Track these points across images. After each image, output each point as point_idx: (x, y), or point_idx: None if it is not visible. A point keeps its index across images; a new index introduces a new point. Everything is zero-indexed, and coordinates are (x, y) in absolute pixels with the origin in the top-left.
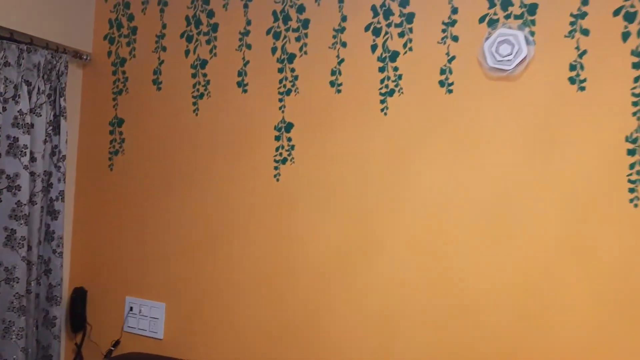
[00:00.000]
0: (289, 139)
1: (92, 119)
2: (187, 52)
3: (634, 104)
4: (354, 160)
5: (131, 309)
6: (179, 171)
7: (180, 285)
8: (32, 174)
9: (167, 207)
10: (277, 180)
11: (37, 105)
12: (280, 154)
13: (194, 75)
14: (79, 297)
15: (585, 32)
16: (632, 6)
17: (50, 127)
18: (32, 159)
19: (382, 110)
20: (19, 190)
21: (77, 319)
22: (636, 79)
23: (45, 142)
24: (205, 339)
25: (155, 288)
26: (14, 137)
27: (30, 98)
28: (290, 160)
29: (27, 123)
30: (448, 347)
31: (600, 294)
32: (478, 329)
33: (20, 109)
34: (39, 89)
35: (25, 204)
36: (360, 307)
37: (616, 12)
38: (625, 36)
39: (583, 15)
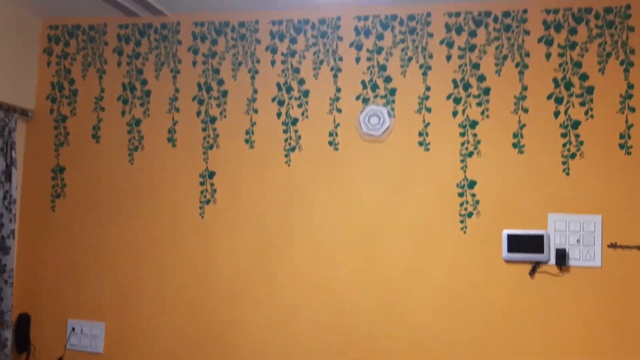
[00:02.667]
0: (212, 184)
1: (35, 166)
2: (123, 113)
3: (461, 161)
4: (263, 200)
5: (73, 329)
6: (115, 210)
7: (118, 306)
8: None
9: (104, 241)
10: (202, 217)
11: None
12: (205, 196)
13: (129, 132)
14: (23, 322)
15: (429, 110)
16: (458, 93)
17: (3, 176)
18: None
19: (286, 162)
20: None
21: (22, 341)
22: (462, 144)
23: None
24: (140, 350)
25: (95, 310)
26: None
27: None
28: (213, 201)
29: None
30: (332, 342)
31: (437, 295)
32: (354, 325)
33: None
34: None
35: None
36: (264, 316)
37: (448, 97)
38: (455, 114)
39: (427, 98)
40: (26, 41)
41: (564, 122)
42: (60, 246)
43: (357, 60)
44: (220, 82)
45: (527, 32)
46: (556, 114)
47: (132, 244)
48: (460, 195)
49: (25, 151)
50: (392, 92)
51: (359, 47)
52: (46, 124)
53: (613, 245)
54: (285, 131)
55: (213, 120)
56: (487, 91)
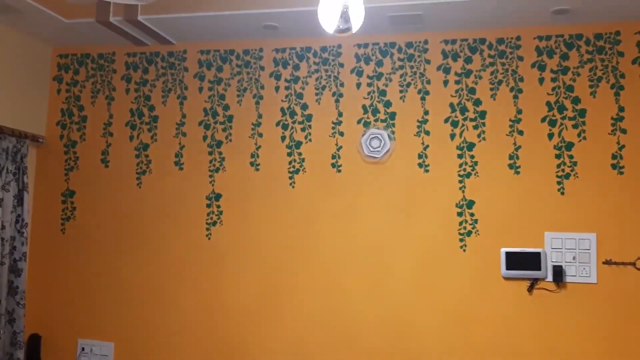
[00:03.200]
0: (218, 206)
1: (46, 190)
2: (131, 137)
3: (460, 181)
4: (269, 221)
5: (82, 349)
6: (124, 232)
7: (127, 326)
8: (2, 239)
9: (113, 262)
10: (209, 239)
11: (5, 183)
12: (211, 218)
13: (137, 156)
14: (34, 342)
15: (427, 133)
16: (455, 117)
17: (15, 200)
18: (2, 227)
19: (290, 184)
20: None
21: None
22: (460, 165)
23: (11, 212)
24: None
25: (104, 330)
26: None
27: (0, 177)
28: (220, 223)
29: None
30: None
31: (442, 312)
32: (362, 346)
33: None
34: (7, 169)
35: None
36: (278, 336)
37: (446, 120)
38: (452, 137)
39: (425, 121)
40: (37, 69)
41: (557, 144)
42: (70, 268)
43: (358, 85)
44: (226, 108)
45: (520, 58)
46: (550, 135)
47: (141, 265)
48: (460, 214)
49: (36, 176)
50: (392, 116)
51: (359, 73)
52: (56, 149)
53: (608, 262)
54: (289, 154)
55: (219, 144)
56: (483, 115)
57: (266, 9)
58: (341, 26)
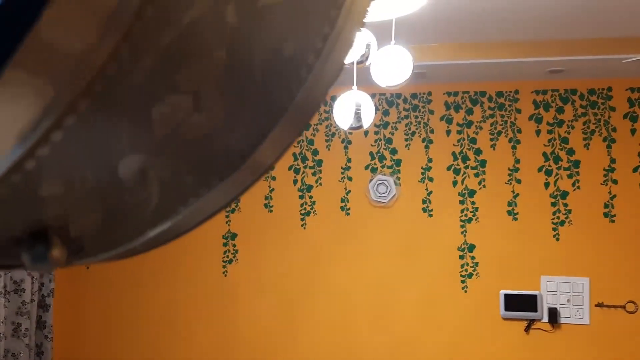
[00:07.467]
0: (234, 245)
1: None
2: None
3: (462, 226)
4: (281, 260)
5: None
6: (144, 268)
7: (148, 358)
8: (32, 277)
9: (135, 298)
10: (225, 275)
11: None
12: (227, 256)
13: None
14: None
15: (431, 179)
16: (457, 165)
17: None
18: None
19: (302, 225)
20: (24, 292)
21: None
22: (462, 210)
23: None
24: None
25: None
26: None
27: None
28: (235, 261)
29: None
30: None
31: (442, 348)
32: None
33: None
34: None
35: (28, 302)
36: None
37: (448, 168)
38: (455, 183)
39: (429, 168)
40: None
41: (553, 192)
42: (94, 302)
43: (366, 133)
44: None
45: (518, 111)
46: (546, 184)
47: (161, 300)
48: (461, 257)
49: None
50: (398, 162)
51: None
52: None
53: (600, 305)
54: (301, 197)
55: None
56: (483, 163)
57: None
58: (354, 124)
